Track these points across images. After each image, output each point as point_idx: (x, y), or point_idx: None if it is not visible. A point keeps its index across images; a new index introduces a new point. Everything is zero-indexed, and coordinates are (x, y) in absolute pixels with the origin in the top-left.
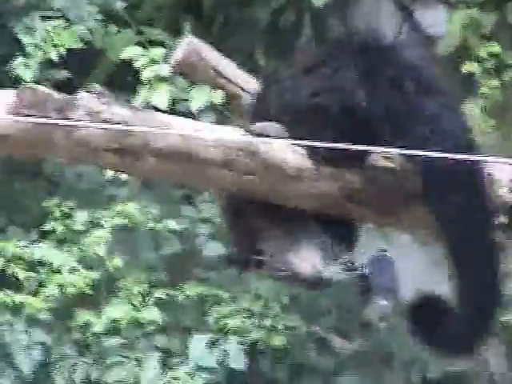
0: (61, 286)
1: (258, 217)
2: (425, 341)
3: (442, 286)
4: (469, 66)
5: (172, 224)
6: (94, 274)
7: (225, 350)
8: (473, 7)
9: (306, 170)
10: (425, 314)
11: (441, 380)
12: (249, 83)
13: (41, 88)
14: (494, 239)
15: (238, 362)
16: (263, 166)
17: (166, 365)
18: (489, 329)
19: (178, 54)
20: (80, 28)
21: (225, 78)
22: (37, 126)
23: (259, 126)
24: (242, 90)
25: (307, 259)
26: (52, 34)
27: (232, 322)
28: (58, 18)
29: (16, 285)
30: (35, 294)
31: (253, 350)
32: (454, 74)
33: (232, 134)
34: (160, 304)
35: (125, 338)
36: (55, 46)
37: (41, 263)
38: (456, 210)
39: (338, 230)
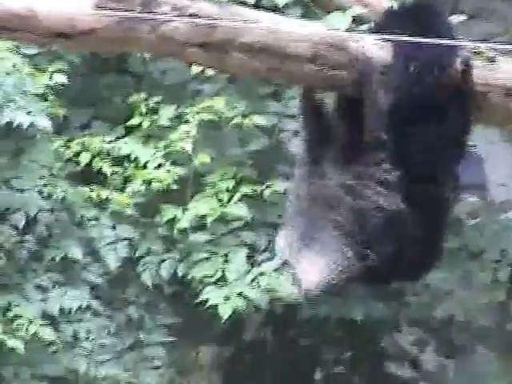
0: (147, 181)
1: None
2: None
3: None
4: None
5: (259, 120)
6: (181, 170)
7: None
8: None
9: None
10: None
11: None
12: None
13: None
14: None
15: None
16: (352, 62)
17: (252, 261)
18: None
19: None
20: None
21: None
22: (122, 20)
23: None
24: None
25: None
26: None
27: None
28: None
29: (102, 180)
30: (121, 189)
31: None
32: None
33: (320, 29)
34: (247, 200)
35: (211, 234)
36: None
37: (127, 159)
38: None
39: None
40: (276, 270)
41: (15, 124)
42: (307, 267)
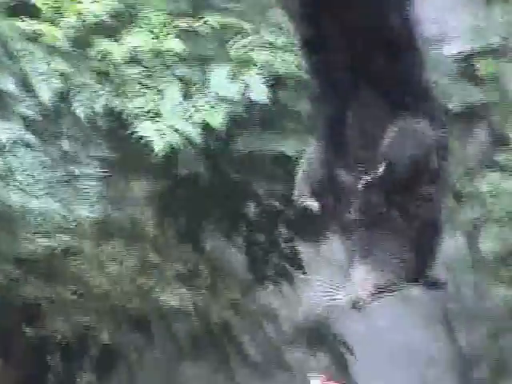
0: (80, 14)
1: None
2: None
3: None
4: None
5: None
6: (114, 3)
7: (247, 82)
8: None
9: None
10: None
11: None
12: None
13: None
14: None
15: (260, 93)
16: None
17: (186, 95)
18: None
19: None
20: None
21: None
22: None
23: None
24: None
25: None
26: None
27: (255, 55)
28: None
29: (35, 13)
30: (54, 23)
31: (275, 83)
32: None
33: None
34: (181, 34)
35: (145, 68)
36: None
37: None
38: None
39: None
40: (210, 104)
41: None
42: (363, 278)
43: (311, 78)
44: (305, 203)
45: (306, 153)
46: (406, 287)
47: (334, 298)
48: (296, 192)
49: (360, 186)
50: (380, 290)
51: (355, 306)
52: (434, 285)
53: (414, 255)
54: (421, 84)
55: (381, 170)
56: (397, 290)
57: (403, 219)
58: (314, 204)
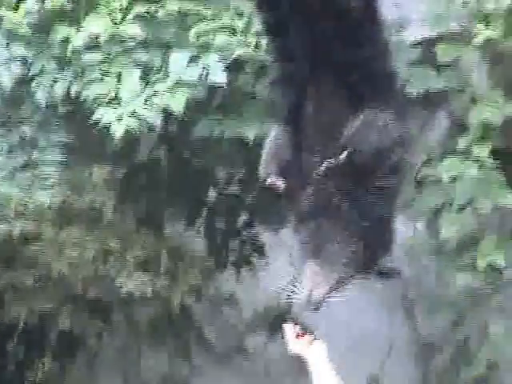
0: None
1: None
2: None
3: None
4: None
5: None
6: None
7: (206, 66)
8: None
9: None
10: None
11: None
12: None
13: None
14: None
15: (219, 76)
16: None
17: (146, 80)
18: None
19: None
20: None
21: None
22: None
23: None
24: None
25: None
26: None
27: (214, 38)
28: None
29: None
30: (15, 8)
31: (235, 67)
32: None
33: None
34: (140, 19)
35: (105, 54)
36: None
37: None
38: None
39: (374, 234)
40: (170, 88)
41: None
42: (313, 278)
43: (272, 62)
44: (271, 180)
45: (271, 135)
46: (358, 278)
47: (289, 296)
48: (262, 170)
49: (320, 170)
50: (332, 286)
51: (310, 305)
52: (387, 274)
53: (365, 246)
54: (385, 73)
55: (343, 156)
56: (349, 283)
57: (356, 210)
58: (279, 182)
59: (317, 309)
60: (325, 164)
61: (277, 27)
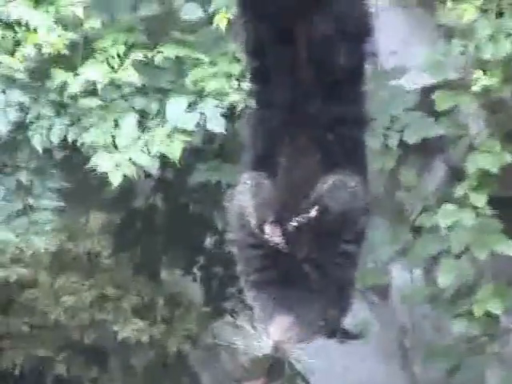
0: (38, 45)
1: None
2: None
3: None
4: None
5: None
6: (72, 35)
7: (203, 113)
8: None
9: None
10: None
11: None
12: None
13: None
14: None
15: (218, 124)
16: None
17: (143, 126)
18: None
19: None
20: None
21: None
22: None
23: None
24: None
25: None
26: None
27: (211, 85)
28: None
29: None
30: (12, 53)
31: (232, 113)
32: None
33: None
34: (138, 65)
35: (102, 100)
36: None
37: (18, 23)
38: None
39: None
40: (167, 135)
41: None
42: (279, 325)
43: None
44: (274, 239)
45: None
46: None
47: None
48: (254, 221)
49: (291, 225)
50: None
51: (277, 353)
52: (348, 337)
53: (328, 310)
54: (360, 140)
55: (313, 213)
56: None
57: (318, 274)
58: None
59: (283, 356)
60: (297, 218)
61: (260, 73)
